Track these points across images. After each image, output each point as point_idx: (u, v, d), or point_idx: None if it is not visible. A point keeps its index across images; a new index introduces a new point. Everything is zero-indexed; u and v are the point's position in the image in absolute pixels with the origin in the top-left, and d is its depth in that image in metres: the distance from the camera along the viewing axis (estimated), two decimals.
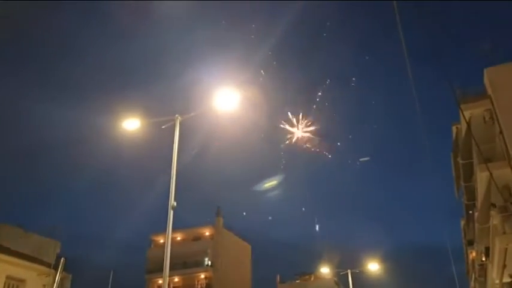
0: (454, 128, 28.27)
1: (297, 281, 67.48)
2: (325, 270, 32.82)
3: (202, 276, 58.80)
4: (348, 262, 31.01)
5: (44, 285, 20.73)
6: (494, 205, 21.00)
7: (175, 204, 12.31)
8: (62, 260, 21.18)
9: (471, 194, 26.70)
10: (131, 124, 13.62)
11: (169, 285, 57.78)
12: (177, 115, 13.39)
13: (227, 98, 12.94)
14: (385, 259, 32.70)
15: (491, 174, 16.43)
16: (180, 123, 13.35)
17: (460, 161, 23.08)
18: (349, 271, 29.31)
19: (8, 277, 19.73)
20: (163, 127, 13.50)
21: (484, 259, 29.30)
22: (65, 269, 34.22)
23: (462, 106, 22.21)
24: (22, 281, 20.35)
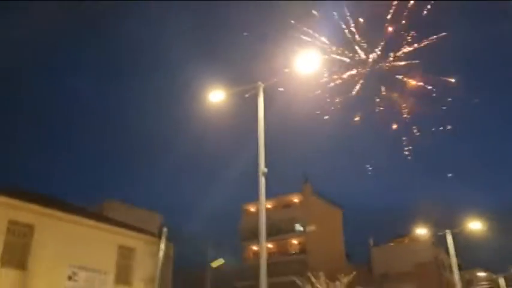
0: None
1: (391, 244, 66.22)
2: (421, 231, 31.52)
3: (295, 241, 60.00)
4: (447, 223, 29.40)
5: (151, 253, 22.47)
6: None
7: (266, 170, 12.48)
8: (164, 230, 22.78)
9: None
10: (216, 96, 13.92)
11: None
12: (259, 82, 13.41)
13: (308, 61, 12.68)
14: (489, 218, 30.58)
15: None
16: (264, 90, 13.38)
17: None
18: (448, 231, 27.94)
19: (120, 246, 21.66)
20: (246, 95, 13.64)
21: None
22: (167, 239, 36.95)
23: None
24: (132, 249, 22.22)
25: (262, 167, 12.49)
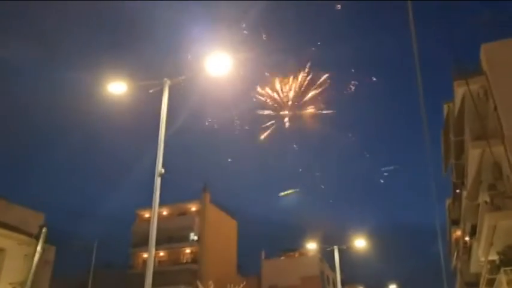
0: (445, 107, 28.09)
1: (282, 258, 68.08)
2: (311, 246, 32.70)
3: (188, 250, 58.84)
4: (334, 240, 30.87)
5: (26, 255, 20.17)
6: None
7: (163, 171, 11.77)
8: (43, 230, 20.63)
9: (460, 172, 26.70)
10: (117, 87, 12.92)
11: (154, 259, 57.68)
12: (165, 79, 12.72)
13: (219, 62, 12.29)
14: (370, 237, 32.72)
15: (489, 149, 16.20)
16: (169, 88, 12.70)
17: (452, 138, 22.90)
18: (335, 247, 29.27)
19: None
20: (150, 91, 12.84)
21: (467, 238, 29.58)
22: (49, 241, 33.78)
23: (456, 83, 21.90)
24: (1, 250, 19.78)
25: (160, 168, 11.79)
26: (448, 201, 38.60)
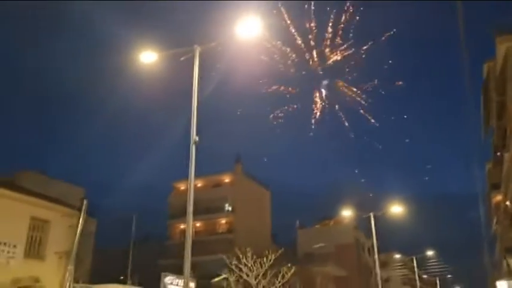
0: (485, 66, 26.79)
1: (316, 226, 68.43)
2: (347, 213, 32.52)
3: (223, 221, 59.86)
4: (370, 207, 30.55)
5: (69, 226, 20.92)
6: None
7: (197, 139, 11.72)
8: (84, 202, 21.27)
9: (501, 133, 25.64)
10: (148, 57, 12.85)
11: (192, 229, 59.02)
12: (196, 45, 12.52)
13: (249, 26, 11.96)
14: (407, 204, 32.20)
15: None
16: (200, 54, 12.50)
17: (494, 98, 21.85)
18: (371, 214, 29.00)
19: (32, 218, 19.87)
20: (181, 59, 12.70)
21: (509, 202, 28.63)
22: (90, 214, 35.03)
23: (498, 39, 20.73)
24: (46, 221, 20.51)
25: (194, 136, 11.74)
26: (488, 165, 37.35)
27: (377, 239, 29.77)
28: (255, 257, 30.98)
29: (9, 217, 18.67)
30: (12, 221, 18.82)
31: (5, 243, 18.40)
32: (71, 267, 20.01)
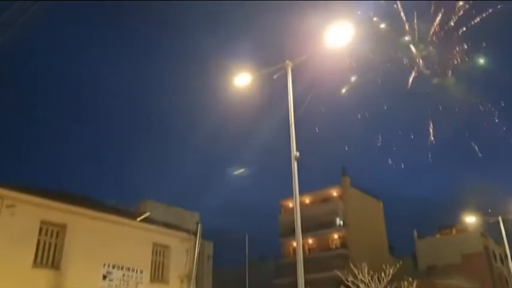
0: None
1: (437, 236, 63.65)
2: (470, 219, 29.60)
3: (336, 236, 58.60)
4: (496, 211, 27.42)
5: (187, 250, 21.96)
6: None
7: (298, 154, 11.55)
8: (198, 225, 22.21)
9: None
10: (243, 79, 13.09)
11: (303, 247, 58.84)
12: (287, 61, 12.46)
13: (339, 34, 11.59)
14: None
15: None
16: (292, 69, 12.42)
17: None
18: (500, 217, 26.02)
19: (154, 244, 21.23)
20: (274, 77, 12.71)
21: None
22: (206, 237, 36.60)
23: None
24: (167, 247, 21.77)
25: (294, 151, 11.59)
26: None
27: (510, 246, 26.63)
28: (371, 272, 29.55)
29: (134, 244, 20.13)
30: (137, 248, 20.26)
31: (133, 269, 19.83)
32: None
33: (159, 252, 21.48)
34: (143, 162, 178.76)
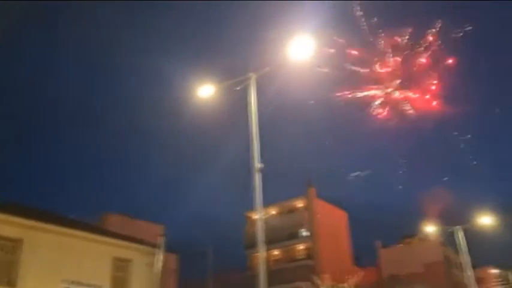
0: None
1: (400, 245, 65.02)
2: (430, 229, 30.41)
3: (302, 247, 58.82)
4: (456, 220, 28.24)
5: (148, 264, 21.50)
6: None
7: (261, 166, 11.55)
8: (162, 239, 21.82)
9: None
10: (206, 91, 13.06)
11: (269, 258, 58.68)
12: (251, 73, 12.52)
13: (303, 46, 11.76)
14: (500, 212, 29.42)
15: None
16: (256, 81, 12.49)
17: None
18: (458, 227, 26.76)
19: (115, 258, 20.67)
20: (237, 88, 12.74)
21: None
22: (171, 250, 36.06)
23: None
24: (129, 261, 21.24)
25: (257, 163, 11.59)
26: None
27: (468, 254, 27.46)
28: (335, 282, 29.85)
29: (94, 259, 19.54)
30: (97, 262, 19.68)
31: (93, 285, 19.20)
32: None
33: (121, 267, 20.91)
34: (109, 175, 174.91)
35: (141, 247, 21.98)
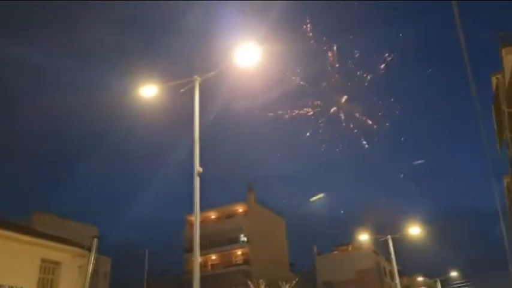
0: (493, 79, 26.38)
1: (335, 252, 66.92)
2: (363, 237, 31.60)
3: (239, 252, 58.88)
4: (388, 230, 29.63)
5: (80, 267, 20.57)
6: None
7: (201, 170, 11.46)
8: (94, 240, 20.94)
9: None
10: (148, 91, 12.77)
11: (206, 262, 58.28)
12: (195, 76, 12.42)
13: (248, 53, 11.85)
14: (426, 224, 31.25)
15: None
16: (200, 84, 12.39)
17: (505, 110, 21.38)
18: (389, 237, 28.11)
19: (43, 260, 19.60)
20: (181, 91, 12.58)
21: None
22: (105, 253, 34.67)
23: (504, 50, 20.47)
24: (57, 263, 20.21)
25: (198, 167, 11.49)
26: (506, 180, 36.33)
27: (397, 263, 28.81)
28: None
29: (19, 261, 18.41)
30: (23, 264, 18.55)
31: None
32: None
33: (48, 269, 19.86)
34: (42, 175, 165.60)
35: (72, 249, 21.01)
